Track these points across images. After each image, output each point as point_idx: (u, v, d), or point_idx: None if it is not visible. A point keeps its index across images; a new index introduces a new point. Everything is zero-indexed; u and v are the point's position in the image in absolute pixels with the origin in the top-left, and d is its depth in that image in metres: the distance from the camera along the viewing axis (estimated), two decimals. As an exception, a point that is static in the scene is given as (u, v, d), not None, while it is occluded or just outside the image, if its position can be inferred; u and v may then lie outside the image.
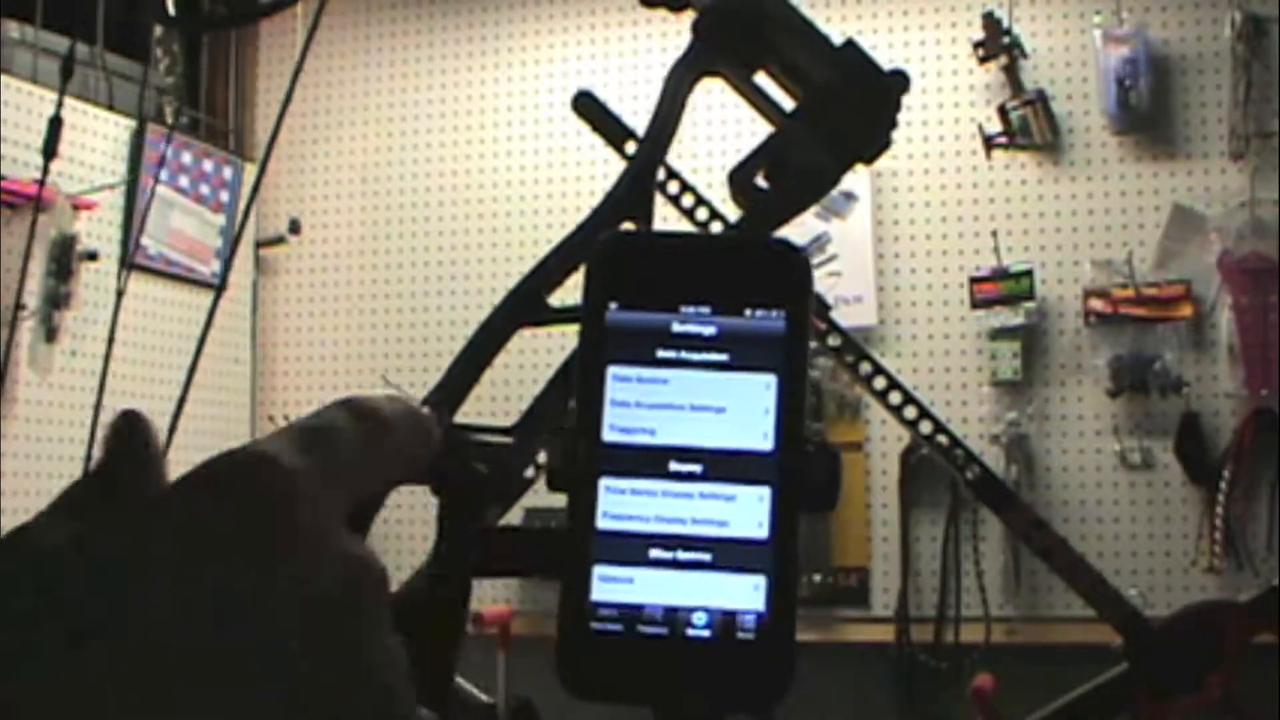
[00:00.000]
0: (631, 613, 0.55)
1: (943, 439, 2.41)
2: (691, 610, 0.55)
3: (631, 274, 0.56)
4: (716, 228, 2.38)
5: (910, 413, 2.42)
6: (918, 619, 2.92)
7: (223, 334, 3.23)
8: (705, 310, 0.55)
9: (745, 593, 0.55)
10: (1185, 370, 2.80)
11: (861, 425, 3.00)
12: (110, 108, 2.95)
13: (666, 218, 3.07)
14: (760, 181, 0.82)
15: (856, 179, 3.02)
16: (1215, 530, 2.71)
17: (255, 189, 1.64)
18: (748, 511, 0.55)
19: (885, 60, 2.83)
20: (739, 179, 0.79)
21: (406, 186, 3.39)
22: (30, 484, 2.65)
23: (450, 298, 3.32)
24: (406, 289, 3.36)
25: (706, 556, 0.55)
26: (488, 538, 0.56)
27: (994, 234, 2.92)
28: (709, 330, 0.55)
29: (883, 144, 1.03)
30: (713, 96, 3.49)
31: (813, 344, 2.70)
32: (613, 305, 0.56)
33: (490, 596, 3.16)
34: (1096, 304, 2.84)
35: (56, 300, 2.68)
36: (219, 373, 3.17)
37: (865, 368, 2.43)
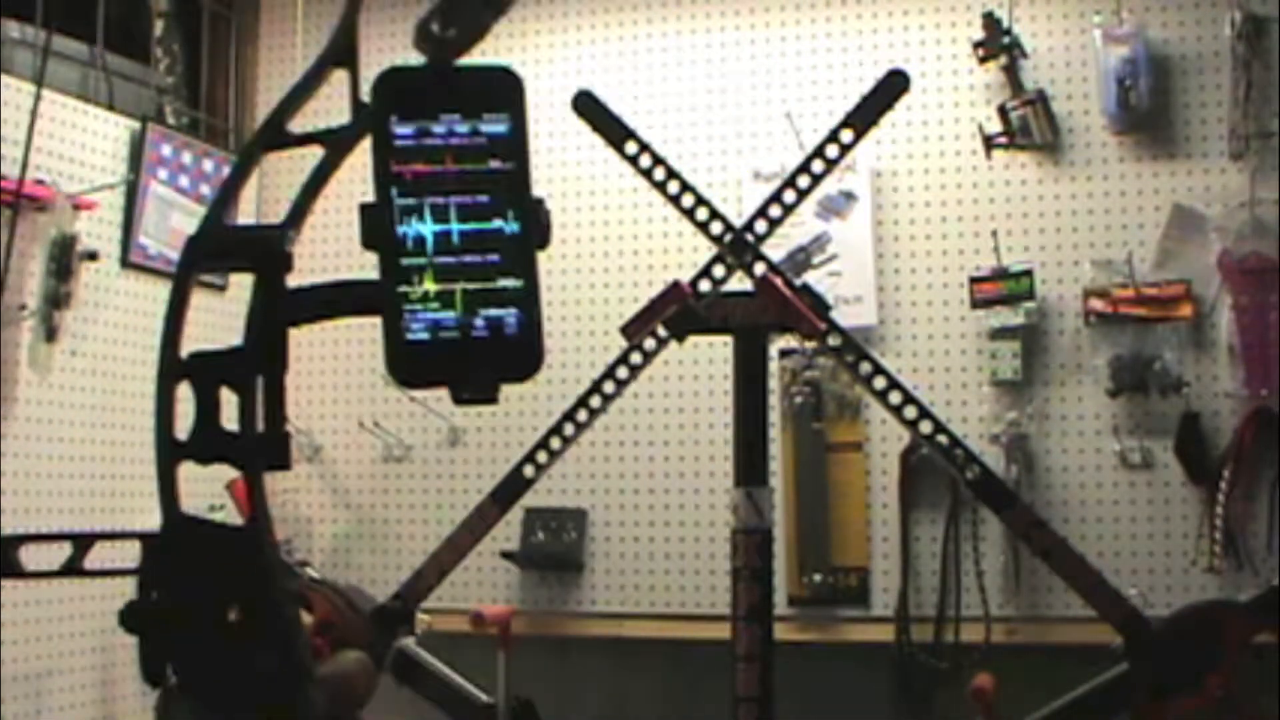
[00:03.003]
0: (433, 325, 0.87)
1: (943, 439, 2.41)
2: (473, 319, 0.88)
3: (404, 94, 0.88)
4: (717, 228, 2.38)
5: (910, 413, 2.42)
6: (918, 619, 2.91)
7: (223, 334, 3.23)
8: (456, 115, 0.87)
9: (509, 305, 0.89)
10: (1185, 370, 2.79)
11: (861, 425, 3.00)
12: (110, 108, 2.95)
13: (667, 217, 3.10)
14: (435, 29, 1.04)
15: (856, 179, 3.02)
16: (1215, 530, 2.71)
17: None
18: (507, 250, 0.89)
19: (885, 60, 2.87)
20: (419, 29, 1.04)
21: (406, 186, 3.38)
22: (30, 484, 2.65)
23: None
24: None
25: (483, 285, 0.89)
26: (302, 293, 0.97)
27: (994, 234, 2.92)
28: (462, 127, 0.87)
29: None
30: (714, 96, 3.47)
31: (813, 344, 2.72)
32: (393, 117, 0.90)
33: (490, 597, 3.17)
34: (1096, 304, 2.84)
35: (56, 300, 2.68)
36: (219, 373, 3.17)
37: (865, 368, 2.43)
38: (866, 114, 2.38)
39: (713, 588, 3.00)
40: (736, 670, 2.24)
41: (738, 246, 2.36)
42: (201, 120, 3.35)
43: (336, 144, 1.04)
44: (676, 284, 2.31)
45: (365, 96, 1.00)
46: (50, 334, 2.68)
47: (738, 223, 2.39)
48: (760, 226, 2.39)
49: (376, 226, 1.01)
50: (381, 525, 3.32)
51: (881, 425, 2.96)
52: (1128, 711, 2.27)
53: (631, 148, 2.45)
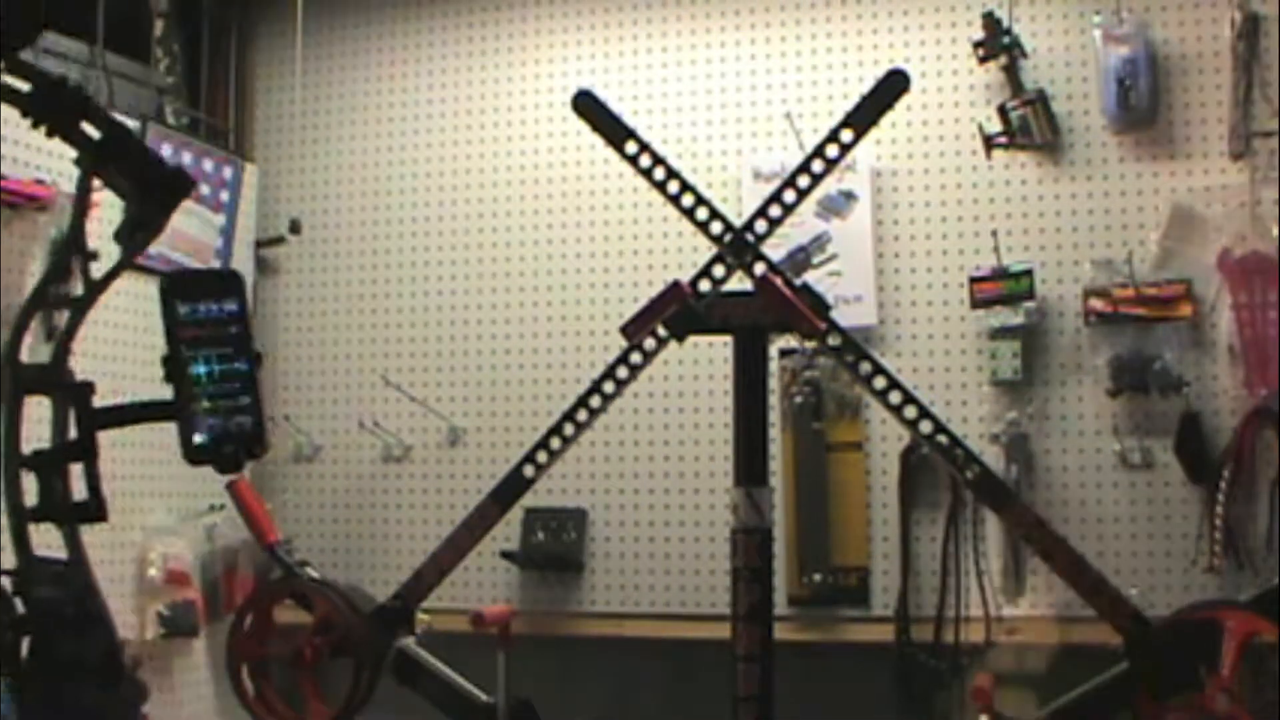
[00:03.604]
0: (208, 427, 1.46)
1: (943, 439, 2.41)
2: (229, 422, 1.48)
3: (183, 287, 1.52)
4: (717, 228, 2.38)
5: (910, 413, 2.42)
6: (918, 619, 2.91)
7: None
8: (211, 301, 1.51)
9: (246, 414, 1.48)
10: (1185, 370, 2.79)
11: (861, 425, 3.00)
12: (110, 108, 2.95)
13: (667, 217, 3.09)
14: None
15: (856, 179, 3.02)
16: (1215, 530, 2.71)
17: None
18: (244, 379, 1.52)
19: (885, 60, 2.87)
20: None
21: (406, 186, 3.39)
22: (30, 484, 2.64)
23: (450, 297, 3.32)
24: (406, 289, 3.35)
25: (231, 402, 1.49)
26: (116, 409, 1.49)
27: (994, 234, 2.92)
28: (215, 308, 1.51)
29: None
30: (714, 96, 3.47)
31: (813, 344, 2.73)
32: (179, 301, 1.52)
33: (491, 597, 3.17)
34: (1096, 304, 2.84)
35: (57, 300, 2.67)
36: (219, 373, 3.17)
37: (865, 368, 2.43)
38: (866, 114, 2.38)
39: (713, 588, 3.00)
40: (736, 670, 2.24)
41: (738, 246, 2.36)
42: (201, 120, 3.35)
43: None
44: (676, 284, 2.31)
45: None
46: (50, 334, 2.68)
47: (738, 223, 2.39)
48: (760, 226, 2.39)
49: (174, 369, 1.54)
50: (381, 525, 3.32)
51: (881, 425, 2.96)
52: (1128, 711, 2.27)
53: (631, 148, 2.45)
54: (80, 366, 2.79)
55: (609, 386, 2.43)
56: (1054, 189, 2.95)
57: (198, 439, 1.49)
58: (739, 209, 2.92)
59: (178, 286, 1.55)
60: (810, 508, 3.00)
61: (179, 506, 3.05)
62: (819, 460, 3.01)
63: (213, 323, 1.52)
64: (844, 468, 3.01)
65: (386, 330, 3.36)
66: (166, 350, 1.52)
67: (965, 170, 3.00)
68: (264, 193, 3.40)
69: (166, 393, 1.52)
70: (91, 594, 1.29)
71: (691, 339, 2.34)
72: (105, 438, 3.16)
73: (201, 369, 1.52)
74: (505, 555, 3.14)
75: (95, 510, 1.30)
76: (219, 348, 1.53)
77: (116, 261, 1.66)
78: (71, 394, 1.34)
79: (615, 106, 2.63)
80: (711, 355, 2.98)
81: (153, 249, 2.99)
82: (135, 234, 1.61)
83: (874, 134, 2.45)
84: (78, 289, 2.71)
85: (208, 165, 3.15)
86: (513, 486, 2.52)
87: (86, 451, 1.30)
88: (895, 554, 2.95)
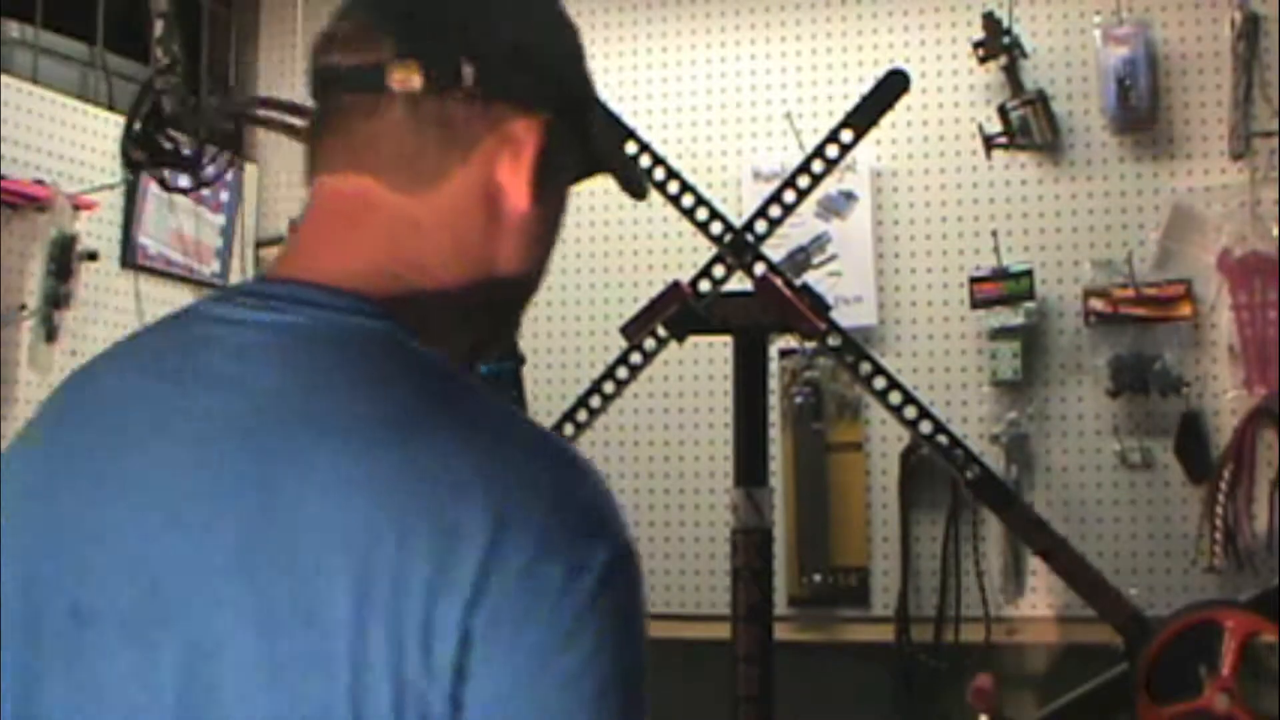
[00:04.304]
0: None
1: (943, 439, 2.41)
2: None
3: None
4: (717, 228, 2.38)
5: (910, 413, 2.42)
6: (918, 619, 2.91)
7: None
8: None
9: None
10: (1185, 370, 2.79)
11: (861, 425, 3.00)
12: (110, 108, 2.95)
13: (667, 217, 3.09)
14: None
15: (856, 179, 3.02)
16: (1215, 530, 2.71)
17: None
18: None
19: (886, 60, 2.88)
20: None
21: (406, 186, 3.38)
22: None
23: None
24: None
25: None
26: None
27: (994, 234, 2.92)
28: None
29: None
30: (714, 96, 3.48)
31: (813, 344, 2.75)
32: None
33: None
34: (1096, 304, 2.84)
35: (56, 300, 2.68)
36: (219, 373, 3.17)
37: (865, 368, 2.43)
38: (866, 114, 2.38)
39: (713, 588, 3.00)
40: (736, 670, 2.24)
41: (738, 246, 2.36)
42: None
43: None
44: (676, 284, 2.31)
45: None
46: (50, 334, 2.68)
47: (738, 223, 2.39)
48: (760, 226, 2.39)
49: None
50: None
51: (881, 425, 2.96)
52: (1128, 711, 2.27)
53: (631, 148, 2.45)
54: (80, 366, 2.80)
55: (609, 386, 2.42)
56: (1054, 189, 2.95)
57: None
58: (739, 209, 2.92)
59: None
60: (810, 508, 3.00)
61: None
62: (819, 460, 3.01)
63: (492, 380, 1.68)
64: (844, 468, 3.01)
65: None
66: None
67: (965, 170, 3.00)
68: (264, 193, 3.40)
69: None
70: None
71: (691, 339, 2.34)
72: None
73: None
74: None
75: None
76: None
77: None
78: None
79: (615, 106, 2.63)
80: (711, 355, 2.98)
81: (152, 249, 3.01)
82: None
83: (874, 134, 2.45)
84: (78, 289, 2.72)
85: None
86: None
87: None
88: (895, 554, 2.95)
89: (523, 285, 0.98)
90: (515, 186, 0.92)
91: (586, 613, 0.76)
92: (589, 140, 1.00)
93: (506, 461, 0.79)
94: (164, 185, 2.05)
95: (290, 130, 2.11)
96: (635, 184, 1.07)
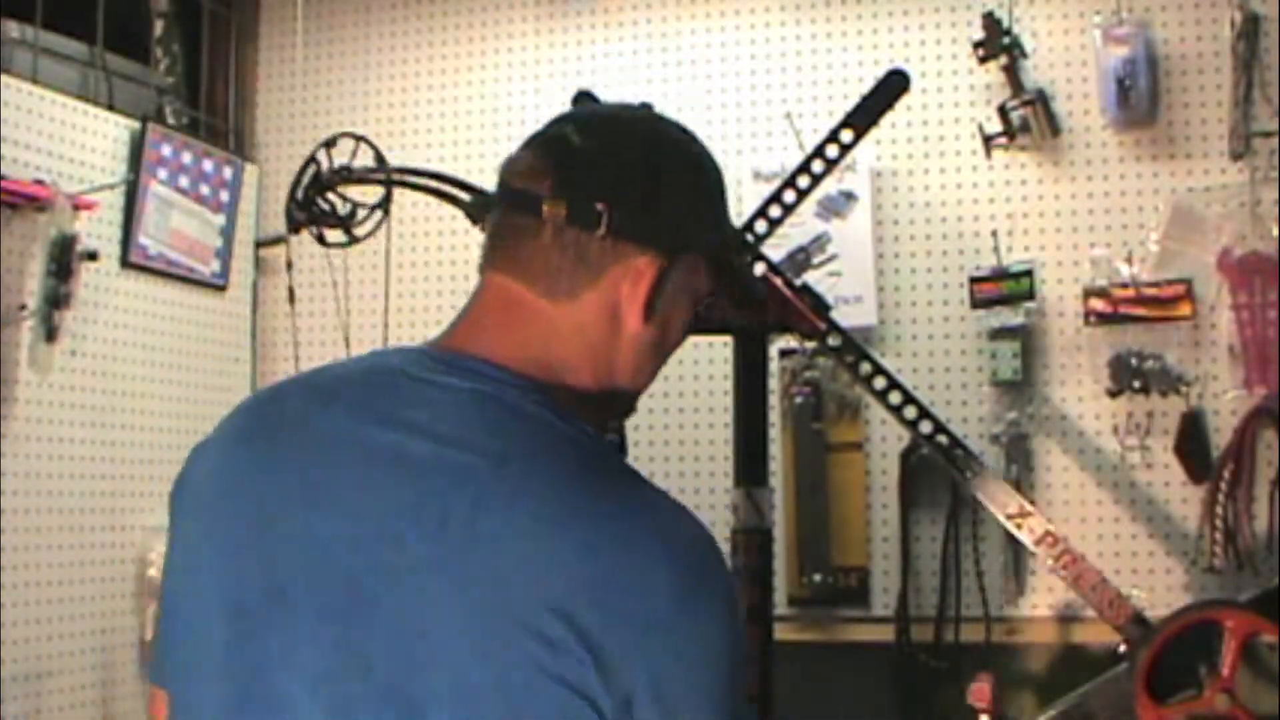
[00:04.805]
0: None
1: (943, 439, 2.41)
2: None
3: None
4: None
5: (910, 413, 2.42)
6: (918, 619, 2.91)
7: (223, 334, 3.23)
8: None
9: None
10: (1185, 370, 2.79)
11: (861, 425, 3.00)
12: (110, 108, 2.95)
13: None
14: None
15: (856, 179, 3.02)
16: (1215, 530, 2.71)
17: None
18: None
19: (886, 60, 2.88)
20: None
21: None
22: (30, 484, 2.65)
23: (451, 298, 3.32)
24: (407, 289, 3.35)
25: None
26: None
27: (994, 234, 2.92)
28: None
29: None
30: (714, 96, 3.47)
31: (813, 344, 2.78)
32: None
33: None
34: (1096, 304, 2.84)
35: (56, 300, 2.68)
36: (219, 373, 3.17)
37: (865, 368, 2.43)
38: (866, 114, 2.38)
39: (713, 588, 2.99)
40: (736, 670, 2.24)
41: (738, 246, 2.36)
42: (201, 120, 3.35)
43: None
44: (676, 284, 2.31)
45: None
46: (50, 334, 2.68)
47: (738, 223, 2.39)
48: (760, 226, 2.39)
49: None
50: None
51: (881, 425, 2.96)
52: (1128, 712, 2.27)
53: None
54: (80, 366, 2.80)
55: (609, 386, 2.42)
56: (1054, 189, 2.95)
57: None
58: (739, 209, 2.92)
59: None
60: (810, 508, 3.00)
61: (179, 506, 3.05)
62: (819, 460, 3.01)
63: None
64: (844, 468, 3.01)
65: (387, 330, 3.36)
66: None
67: (965, 170, 3.00)
68: (264, 193, 3.40)
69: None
70: None
71: (691, 339, 2.33)
72: (107, 439, 3.15)
73: None
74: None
75: None
76: None
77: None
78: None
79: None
80: (711, 355, 2.98)
81: (152, 249, 3.01)
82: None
83: (874, 134, 2.45)
84: (78, 289, 2.72)
85: (208, 165, 3.15)
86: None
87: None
88: (895, 554, 2.95)
89: (636, 387, 1.23)
90: (631, 310, 1.16)
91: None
92: (720, 273, 1.24)
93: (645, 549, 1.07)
94: (321, 241, 2.39)
95: (452, 200, 2.39)
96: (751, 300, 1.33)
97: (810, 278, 2.73)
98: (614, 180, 1.17)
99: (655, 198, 1.18)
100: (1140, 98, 2.85)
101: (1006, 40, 2.89)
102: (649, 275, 1.16)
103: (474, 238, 3.43)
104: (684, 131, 1.26)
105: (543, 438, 1.07)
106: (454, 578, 1.00)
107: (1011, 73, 2.91)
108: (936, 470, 2.87)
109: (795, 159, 2.46)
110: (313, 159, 2.45)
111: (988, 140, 2.92)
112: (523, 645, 0.97)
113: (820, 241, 3.04)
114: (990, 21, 2.90)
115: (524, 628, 0.97)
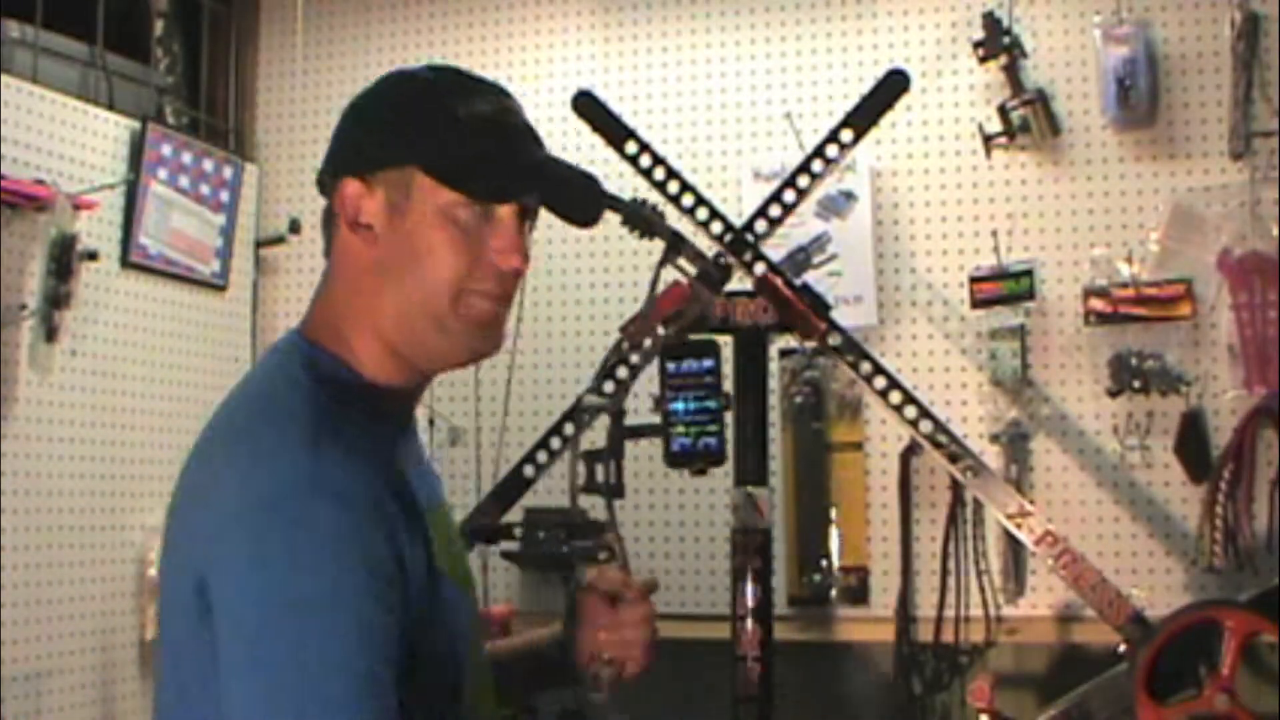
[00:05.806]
0: (680, 444, 2.11)
1: (943, 439, 2.41)
2: (697, 442, 2.13)
3: (673, 350, 2.10)
4: (717, 227, 2.38)
5: (910, 413, 2.43)
6: (918, 619, 2.91)
7: (223, 334, 3.23)
8: (693, 359, 2.13)
9: (711, 437, 2.07)
10: (1185, 370, 2.79)
11: (861, 425, 3.00)
12: (110, 107, 2.95)
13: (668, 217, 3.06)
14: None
15: (856, 179, 3.02)
16: (1215, 530, 2.71)
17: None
18: (713, 415, 2.10)
19: (886, 60, 2.87)
20: None
21: (406, 186, 3.38)
22: (30, 484, 2.65)
23: (450, 298, 3.32)
24: (406, 289, 3.35)
25: (705, 428, 2.11)
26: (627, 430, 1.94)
27: (994, 234, 2.92)
28: (695, 364, 2.14)
29: None
30: (714, 96, 3.47)
31: (813, 344, 2.79)
32: (669, 359, 2.14)
33: (491, 597, 3.16)
34: (1096, 304, 2.84)
35: (56, 300, 2.68)
36: (219, 373, 3.17)
37: (865, 368, 2.43)
38: (866, 114, 2.39)
39: (713, 588, 3.00)
40: (736, 670, 2.24)
41: (738, 246, 2.37)
42: (201, 120, 3.35)
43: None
44: (676, 284, 2.31)
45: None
46: (50, 334, 2.68)
47: (738, 223, 2.39)
48: (760, 226, 2.39)
49: (661, 404, 2.06)
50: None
51: (881, 425, 2.96)
52: (1128, 712, 2.27)
53: (631, 147, 2.46)
54: (80, 366, 2.80)
55: (609, 386, 2.42)
56: (1054, 189, 2.95)
57: (673, 449, 2.07)
58: (739, 209, 2.92)
59: (669, 349, 2.04)
60: (810, 508, 3.00)
61: (179, 506, 3.05)
62: (819, 460, 3.01)
63: (693, 375, 2.05)
64: (844, 468, 3.01)
65: (386, 330, 3.36)
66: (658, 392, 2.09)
67: (965, 170, 3.00)
68: (264, 193, 3.40)
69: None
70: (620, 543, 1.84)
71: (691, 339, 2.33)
72: (107, 439, 3.15)
73: (680, 405, 2.06)
74: (505, 555, 3.14)
75: (618, 491, 1.79)
76: (696, 391, 2.05)
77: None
78: (616, 416, 1.83)
79: (615, 106, 2.63)
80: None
81: (153, 249, 3.01)
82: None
83: (874, 134, 2.45)
84: (78, 289, 2.72)
85: (208, 165, 3.15)
86: (513, 486, 2.52)
87: (616, 452, 1.77)
88: (895, 554, 2.95)
89: (405, 313, 1.29)
90: (342, 229, 1.29)
91: None
92: (454, 182, 1.30)
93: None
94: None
95: None
96: (572, 213, 1.46)
97: (810, 278, 2.73)
98: (333, 140, 1.35)
99: (345, 132, 1.35)
100: (1140, 98, 2.85)
101: (1006, 40, 2.89)
102: (349, 195, 1.27)
103: (474, 238, 3.43)
104: (432, 70, 1.40)
105: (250, 390, 1.30)
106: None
107: (1011, 72, 2.91)
108: (936, 470, 2.87)
109: (795, 159, 2.47)
110: None
111: (988, 140, 2.92)
112: (178, 583, 1.22)
113: (820, 241, 3.04)
114: (990, 21, 2.90)
115: (179, 570, 1.23)
